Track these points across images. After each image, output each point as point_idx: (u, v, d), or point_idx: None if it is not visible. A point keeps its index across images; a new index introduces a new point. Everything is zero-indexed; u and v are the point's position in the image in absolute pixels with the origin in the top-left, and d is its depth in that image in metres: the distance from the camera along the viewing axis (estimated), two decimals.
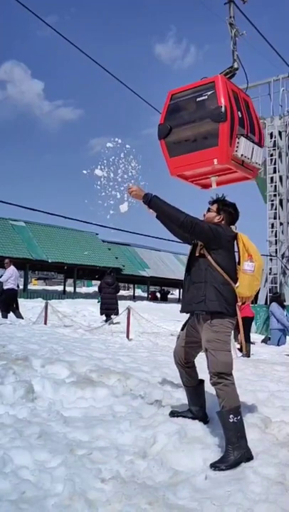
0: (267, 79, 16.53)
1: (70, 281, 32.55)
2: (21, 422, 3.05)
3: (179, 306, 3.48)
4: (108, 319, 12.25)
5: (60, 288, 33.53)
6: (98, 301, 14.67)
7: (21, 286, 21.74)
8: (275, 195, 16.24)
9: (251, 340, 9.63)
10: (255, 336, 12.24)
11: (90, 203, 3.83)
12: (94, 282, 38.80)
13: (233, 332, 3.14)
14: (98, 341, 7.86)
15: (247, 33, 5.04)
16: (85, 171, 3.83)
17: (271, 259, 15.98)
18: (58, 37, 6.85)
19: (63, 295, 26.62)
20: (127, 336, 9.76)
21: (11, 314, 11.21)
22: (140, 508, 2.09)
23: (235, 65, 4.63)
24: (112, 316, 12.14)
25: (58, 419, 3.19)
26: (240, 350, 7.87)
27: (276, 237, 16.07)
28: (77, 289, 30.81)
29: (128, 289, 45.69)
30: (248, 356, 8.22)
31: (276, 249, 15.98)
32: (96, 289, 21.01)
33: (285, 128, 16.32)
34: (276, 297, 11.94)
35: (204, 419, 3.33)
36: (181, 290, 3.41)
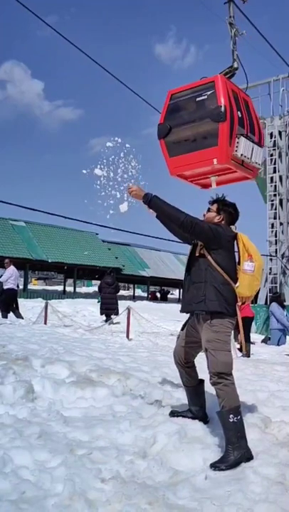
0: (267, 79, 16.52)
1: (70, 281, 32.57)
2: (21, 422, 3.05)
3: (178, 306, 3.48)
4: (108, 319, 12.25)
5: (60, 288, 33.54)
6: (98, 301, 14.68)
7: (21, 286, 21.76)
8: (275, 195, 16.23)
9: (251, 340, 9.62)
10: (255, 336, 12.23)
11: (90, 202, 3.83)
12: (94, 282, 38.82)
13: (233, 332, 3.15)
14: (98, 341, 7.86)
15: (247, 32, 5.04)
16: (84, 171, 3.82)
17: (271, 259, 15.98)
18: (58, 37, 6.86)
19: (63, 295, 26.63)
20: (127, 336, 9.76)
21: (10, 314, 11.21)
22: (140, 508, 2.09)
23: (235, 65, 4.62)
24: (112, 316, 12.14)
25: (58, 419, 3.19)
26: (240, 350, 7.85)
27: (276, 237, 16.07)
28: (77, 289, 30.83)
29: (128, 289, 45.69)
30: (248, 356, 8.21)
31: (276, 249, 15.97)
32: (96, 289, 21.02)
33: (285, 128, 16.32)
34: (276, 297, 11.94)
35: (204, 419, 3.33)
36: (181, 290, 3.41)
